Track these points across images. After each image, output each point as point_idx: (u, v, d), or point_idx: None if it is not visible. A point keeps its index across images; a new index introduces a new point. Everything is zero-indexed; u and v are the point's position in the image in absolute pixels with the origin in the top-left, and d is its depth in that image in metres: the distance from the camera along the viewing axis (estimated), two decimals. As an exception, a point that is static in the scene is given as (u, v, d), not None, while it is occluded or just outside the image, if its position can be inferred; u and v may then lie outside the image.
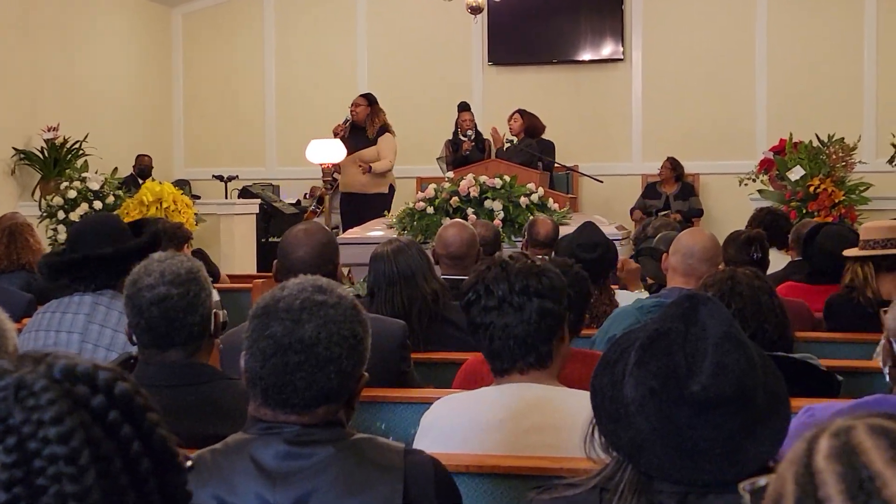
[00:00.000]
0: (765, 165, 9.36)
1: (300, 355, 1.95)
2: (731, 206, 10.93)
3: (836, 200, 8.70)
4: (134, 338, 2.78)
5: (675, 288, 3.93)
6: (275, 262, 3.57)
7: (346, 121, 9.98)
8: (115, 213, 9.06)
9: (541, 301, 2.54)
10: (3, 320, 1.95)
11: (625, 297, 4.88)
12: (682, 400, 1.77)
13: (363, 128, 9.98)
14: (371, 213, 9.26)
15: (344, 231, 9.15)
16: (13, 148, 10.30)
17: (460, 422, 2.58)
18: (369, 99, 10.11)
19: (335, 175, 10.01)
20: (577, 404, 2.40)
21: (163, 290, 2.70)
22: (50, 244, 8.93)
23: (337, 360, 1.97)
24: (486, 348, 2.60)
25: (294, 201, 11.99)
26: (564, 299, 2.62)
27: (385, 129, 10.01)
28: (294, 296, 2.00)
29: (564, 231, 5.99)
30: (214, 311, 2.81)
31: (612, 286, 4.93)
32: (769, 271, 4.93)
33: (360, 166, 9.77)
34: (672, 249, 4.05)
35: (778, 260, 5.73)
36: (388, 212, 8.82)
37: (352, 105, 10.13)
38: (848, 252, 4.59)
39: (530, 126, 10.31)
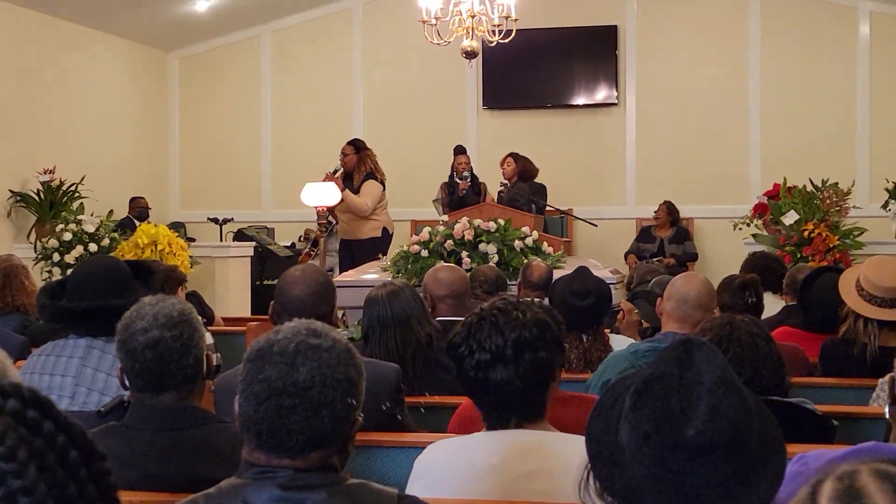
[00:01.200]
0: (759, 210, 9.37)
1: (294, 399, 1.94)
2: (725, 250, 10.95)
3: (831, 245, 8.71)
4: (126, 382, 2.76)
5: (669, 333, 3.93)
6: (271, 303, 3.57)
7: (336, 171, 9.91)
8: (111, 255, 9.07)
9: (535, 354, 2.51)
10: (6, 359, 1.94)
11: (619, 342, 4.87)
12: (677, 445, 1.76)
13: (350, 175, 10.02)
14: (366, 258, 9.26)
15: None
16: (9, 190, 10.32)
17: (454, 467, 2.56)
18: (356, 146, 10.04)
19: (330, 218, 10.02)
20: (570, 449, 2.39)
21: (156, 333, 2.69)
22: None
23: (331, 404, 1.96)
24: (481, 403, 2.57)
25: (289, 244, 12.00)
26: (556, 345, 2.60)
27: (370, 175, 9.97)
28: (288, 339, 1.99)
29: (559, 274, 6.00)
30: (207, 352, 2.80)
31: (606, 329, 4.92)
32: (763, 316, 4.93)
33: (346, 212, 9.90)
34: (666, 295, 4.05)
35: (772, 304, 5.72)
36: (384, 255, 8.82)
37: (340, 154, 10.10)
38: (853, 304, 4.44)
39: (523, 169, 10.33)
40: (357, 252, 9.70)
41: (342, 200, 9.59)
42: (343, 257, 10.04)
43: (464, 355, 2.52)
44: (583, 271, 4.86)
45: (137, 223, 10.60)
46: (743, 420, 1.79)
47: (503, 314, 2.53)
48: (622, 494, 1.81)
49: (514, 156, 10.38)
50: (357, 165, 9.91)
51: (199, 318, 2.84)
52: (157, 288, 3.78)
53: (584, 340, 4.69)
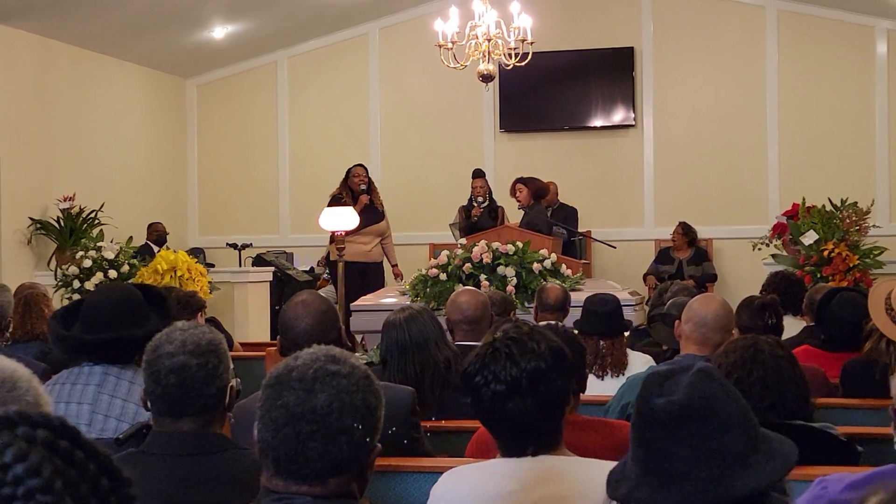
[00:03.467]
0: (778, 230, 9.34)
1: (312, 425, 1.93)
2: (744, 271, 10.92)
3: (851, 265, 8.67)
4: (149, 404, 2.76)
5: (688, 354, 3.91)
6: (278, 338, 3.55)
7: (363, 191, 10.25)
8: (130, 281, 9.09)
9: (551, 385, 2.48)
10: (39, 393, 1.94)
11: (636, 358, 5.04)
12: (652, 419, 1.84)
13: (370, 202, 10.28)
14: (376, 280, 9.94)
15: (347, 299, 9.16)
16: (29, 218, 10.38)
17: (470, 493, 2.54)
18: (367, 170, 10.52)
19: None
20: (588, 473, 2.38)
21: (182, 359, 2.70)
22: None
23: (349, 430, 1.95)
24: (497, 433, 2.54)
25: (307, 269, 12.01)
26: (571, 372, 2.58)
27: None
28: (307, 365, 1.98)
29: (578, 297, 6.02)
30: (231, 384, 2.80)
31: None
32: (783, 337, 4.90)
33: (379, 240, 10.41)
34: (684, 317, 4.03)
35: (792, 326, 5.69)
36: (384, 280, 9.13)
37: (357, 176, 10.33)
38: (881, 325, 4.42)
39: (535, 190, 10.27)
40: (366, 275, 10.06)
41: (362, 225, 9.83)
42: (352, 280, 10.09)
43: (479, 385, 2.49)
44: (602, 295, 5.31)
45: (156, 248, 10.63)
46: (719, 399, 1.86)
47: (517, 344, 2.49)
48: (624, 494, 1.87)
49: (522, 181, 10.22)
50: (374, 191, 10.26)
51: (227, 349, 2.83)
52: (172, 314, 3.77)
53: (602, 346, 5.06)
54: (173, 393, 2.69)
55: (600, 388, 4.90)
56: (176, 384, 2.69)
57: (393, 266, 10.76)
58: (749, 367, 2.98)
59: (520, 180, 10.33)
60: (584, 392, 3.42)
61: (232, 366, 2.86)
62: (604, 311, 5.12)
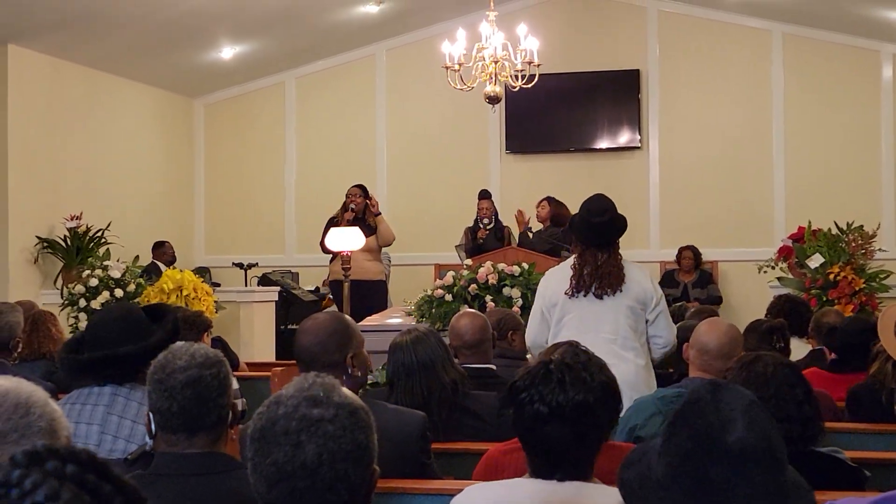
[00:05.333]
0: (784, 253, 9.34)
1: (305, 481, 1.91)
2: (750, 294, 10.91)
3: (857, 288, 8.66)
4: (153, 427, 2.75)
5: (696, 378, 3.91)
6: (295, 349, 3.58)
7: (351, 209, 10.23)
8: (135, 301, 9.11)
9: (594, 418, 2.47)
10: (54, 418, 1.95)
11: (633, 273, 5.22)
12: (720, 454, 1.80)
13: (361, 217, 10.25)
14: (375, 299, 9.94)
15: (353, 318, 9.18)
16: (37, 237, 10.40)
17: (491, 505, 2.54)
18: (364, 190, 10.46)
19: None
20: (610, 500, 2.37)
21: (195, 371, 2.71)
22: (71, 332, 8.96)
23: (344, 476, 1.93)
24: (531, 450, 2.53)
25: (313, 289, 12.02)
26: (616, 408, 2.56)
27: (379, 213, 10.49)
28: (289, 415, 1.94)
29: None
30: (233, 399, 2.81)
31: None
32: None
33: (374, 255, 10.27)
34: (691, 341, 4.03)
35: (799, 349, 5.69)
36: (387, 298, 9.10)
37: (349, 195, 10.36)
38: (889, 347, 4.38)
39: (557, 214, 10.33)
40: (367, 293, 10.04)
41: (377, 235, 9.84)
42: (353, 298, 10.11)
43: (524, 402, 2.48)
44: (599, 195, 5.37)
45: (164, 268, 10.64)
46: (775, 435, 1.83)
47: (571, 372, 2.48)
48: None
49: (550, 200, 10.45)
50: (367, 208, 10.21)
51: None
52: (171, 328, 3.78)
53: (599, 257, 5.15)
54: (190, 406, 2.70)
55: (601, 306, 5.07)
56: (192, 397, 2.70)
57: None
58: (759, 391, 2.97)
59: (549, 198, 10.45)
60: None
61: (237, 385, 2.87)
62: (600, 222, 5.14)
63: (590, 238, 5.15)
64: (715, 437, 1.80)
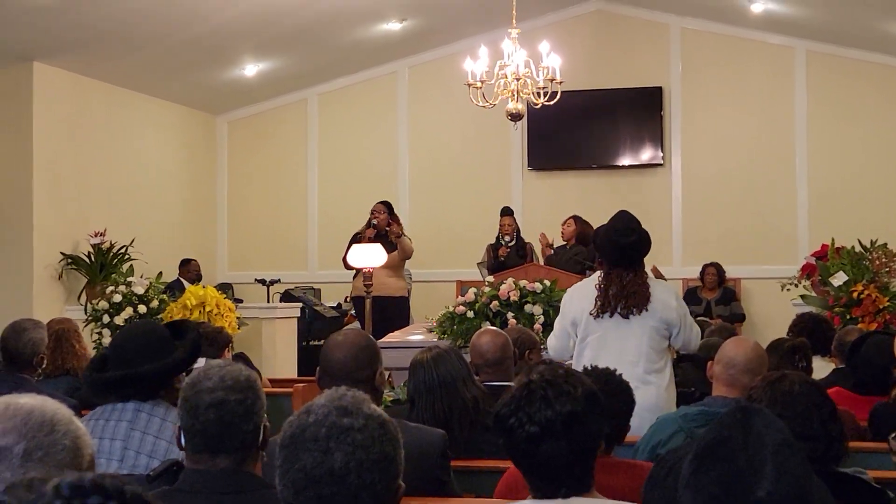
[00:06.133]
0: (807, 271, 9.28)
1: (332, 487, 1.94)
2: (773, 312, 10.86)
3: (881, 307, 8.59)
4: (182, 441, 2.77)
5: (718, 397, 3.90)
6: (318, 367, 3.58)
7: (373, 226, 10.24)
8: (158, 317, 9.14)
9: (585, 428, 2.47)
10: (78, 436, 1.96)
11: (658, 292, 5.17)
12: None
13: (384, 234, 10.25)
14: (397, 315, 9.93)
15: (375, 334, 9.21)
16: (61, 252, 10.47)
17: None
18: (389, 207, 10.43)
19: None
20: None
21: (221, 394, 2.72)
22: (95, 348, 9.00)
23: (370, 486, 1.95)
24: (530, 474, 2.54)
25: (335, 305, 12.04)
26: (604, 416, 2.56)
27: (400, 234, 10.47)
28: (320, 423, 1.98)
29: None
30: (266, 423, 2.81)
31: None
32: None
33: (394, 271, 10.28)
34: (716, 358, 4.02)
35: (821, 368, 5.66)
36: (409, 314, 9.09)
37: (373, 212, 10.38)
38: None
39: (582, 233, 10.34)
40: (389, 309, 10.04)
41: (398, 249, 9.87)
42: (375, 315, 10.14)
43: (513, 427, 2.48)
44: (624, 213, 5.30)
45: (188, 286, 10.68)
46: (806, 480, 1.80)
47: (553, 387, 2.49)
48: None
49: (576, 218, 10.46)
50: (390, 226, 10.23)
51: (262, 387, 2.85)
52: (191, 345, 3.81)
53: (624, 277, 5.11)
54: (211, 428, 2.71)
55: (626, 327, 5.04)
56: (215, 419, 2.70)
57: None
58: (779, 409, 2.95)
59: (575, 217, 10.46)
60: (620, 443, 3.41)
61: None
62: (626, 243, 5.11)
63: (615, 258, 5.13)
64: (744, 489, 1.77)
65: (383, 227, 10.30)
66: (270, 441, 2.96)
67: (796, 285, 9.36)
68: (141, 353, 3.63)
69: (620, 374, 3.53)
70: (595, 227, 11.02)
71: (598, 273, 5.29)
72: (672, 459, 1.91)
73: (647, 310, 5.07)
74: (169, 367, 3.64)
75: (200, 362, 6.11)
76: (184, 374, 3.97)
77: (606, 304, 5.09)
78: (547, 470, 2.48)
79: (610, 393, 3.00)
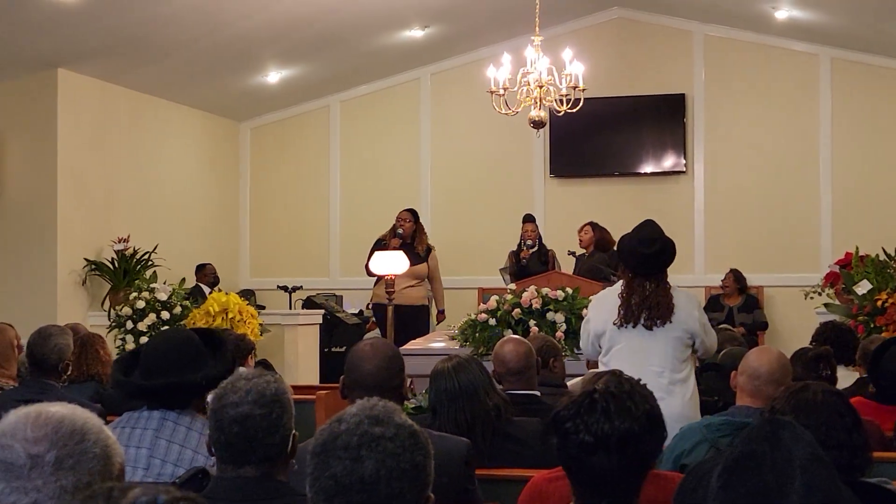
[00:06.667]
0: (831, 279, 9.25)
1: (362, 495, 1.95)
2: (796, 320, 10.82)
3: (905, 315, 8.55)
4: (213, 449, 2.81)
5: (743, 406, 3.89)
6: (342, 378, 3.58)
7: (398, 235, 10.25)
8: (181, 323, 9.18)
9: (640, 447, 2.45)
10: (108, 444, 1.97)
11: (681, 301, 5.14)
12: None
13: (410, 243, 10.26)
14: (419, 324, 10.01)
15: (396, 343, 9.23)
16: (85, 259, 10.53)
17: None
18: (415, 215, 10.51)
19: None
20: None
21: (246, 409, 2.74)
22: (118, 354, 9.04)
23: (399, 495, 1.96)
24: (576, 481, 2.53)
25: (356, 311, 12.06)
26: (661, 436, 2.53)
27: (430, 248, 10.52)
28: (351, 430, 2.00)
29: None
30: (294, 432, 2.83)
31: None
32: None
33: (418, 282, 10.38)
34: (740, 368, 4.01)
35: (846, 377, 5.63)
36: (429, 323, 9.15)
37: (398, 219, 10.39)
38: None
39: (601, 239, 10.36)
40: (410, 317, 10.09)
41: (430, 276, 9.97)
42: (396, 323, 10.16)
43: (568, 432, 2.46)
44: (649, 222, 5.27)
45: (208, 291, 10.72)
46: (836, 494, 1.79)
47: (615, 401, 2.46)
48: None
49: (593, 225, 10.48)
50: (418, 234, 10.35)
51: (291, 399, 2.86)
52: (229, 358, 3.83)
53: (648, 287, 5.07)
54: (236, 442, 2.73)
55: (650, 338, 5.04)
56: (239, 433, 2.73)
57: (439, 312, 10.80)
58: (803, 419, 2.94)
59: (592, 223, 10.46)
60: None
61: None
62: (649, 253, 5.08)
63: (637, 268, 5.12)
64: (773, 503, 1.77)
65: (408, 236, 10.32)
66: (299, 448, 2.98)
67: (820, 293, 9.32)
68: (176, 365, 3.64)
69: (645, 385, 3.51)
70: (618, 235, 11.08)
71: (620, 282, 5.27)
72: (700, 472, 1.90)
73: (670, 321, 5.05)
74: (212, 377, 3.65)
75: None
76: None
77: (630, 315, 5.08)
78: (594, 481, 2.46)
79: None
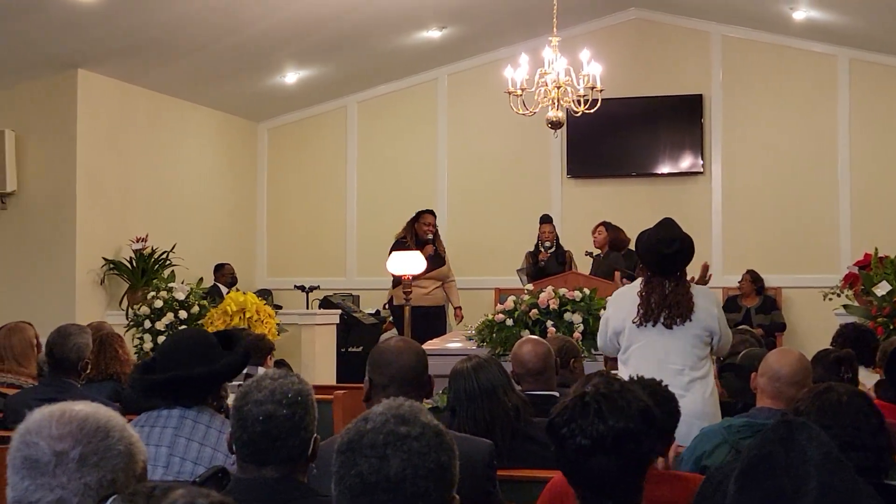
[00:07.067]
0: (850, 280, 9.21)
1: (388, 494, 1.95)
2: (815, 321, 10.78)
3: (924, 317, 8.51)
4: (234, 447, 2.82)
5: (763, 408, 3.88)
6: (366, 380, 3.55)
7: (430, 240, 10.40)
8: (200, 322, 9.21)
9: (636, 445, 2.45)
10: (132, 442, 1.98)
11: (701, 299, 5.11)
12: None
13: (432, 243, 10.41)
14: (436, 325, 10.14)
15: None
16: (103, 258, 10.56)
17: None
18: (434, 216, 10.57)
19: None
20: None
21: (270, 408, 2.75)
22: (136, 353, 9.08)
23: (425, 494, 1.96)
24: (578, 485, 2.53)
25: (373, 311, 12.06)
26: (658, 433, 2.54)
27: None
28: (377, 429, 2.00)
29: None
30: (316, 435, 2.83)
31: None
32: (857, 390, 4.82)
33: (440, 284, 10.58)
34: (760, 370, 3.99)
35: (865, 379, 5.60)
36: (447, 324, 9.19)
37: (426, 223, 10.49)
38: None
39: (615, 239, 10.36)
40: (428, 318, 10.24)
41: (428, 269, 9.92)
42: (414, 323, 10.19)
43: (564, 437, 2.47)
44: (668, 221, 5.24)
45: (225, 291, 10.74)
46: (853, 495, 1.78)
47: (607, 401, 2.48)
48: None
49: (606, 225, 10.48)
50: (437, 236, 10.40)
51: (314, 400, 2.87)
52: (242, 353, 3.85)
53: (667, 286, 5.05)
54: (259, 441, 2.74)
55: (669, 336, 5.03)
56: (262, 432, 2.74)
57: (456, 308, 10.83)
58: (828, 420, 2.92)
59: (605, 223, 10.45)
60: (665, 454, 3.39)
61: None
62: (669, 253, 5.07)
63: (656, 266, 5.11)
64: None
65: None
66: (320, 447, 2.98)
67: (838, 295, 9.29)
68: (191, 358, 3.66)
69: (666, 386, 3.51)
70: (627, 233, 11.08)
71: (639, 280, 5.27)
72: (720, 476, 1.90)
73: (690, 319, 5.04)
74: (221, 370, 3.67)
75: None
76: (227, 382, 4.00)
77: (649, 313, 5.07)
78: (595, 483, 2.47)
79: (656, 405, 2.98)
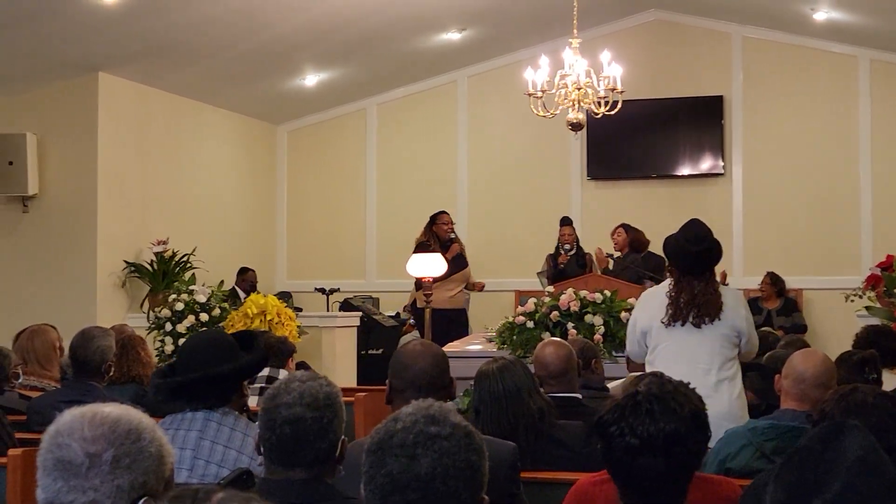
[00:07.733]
0: (872, 282, 9.16)
1: (418, 493, 1.96)
2: (836, 323, 10.73)
3: (947, 318, 8.47)
4: (261, 449, 2.82)
5: (788, 410, 3.86)
6: (388, 381, 3.55)
7: (454, 239, 10.47)
8: (220, 325, 9.23)
9: (685, 448, 2.44)
10: (162, 444, 1.99)
11: (729, 299, 5.13)
12: None
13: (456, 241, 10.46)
14: (457, 327, 10.15)
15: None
16: (124, 261, 10.60)
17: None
18: (449, 215, 10.70)
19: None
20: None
21: (298, 410, 2.76)
22: (157, 355, 9.10)
23: (454, 493, 1.97)
24: (622, 483, 2.52)
25: (393, 314, 12.06)
26: (707, 436, 2.52)
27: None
28: (407, 429, 2.00)
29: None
30: (343, 437, 2.83)
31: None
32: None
33: (463, 286, 10.68)
34: (784, 372, 3.98)
35: (888, 380, 5.58)
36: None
37: (445, 223, 10.54)
38: None
39: (634, 240, 10.34)
40: (449, 320, 10.24)
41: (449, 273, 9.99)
42: (437, 326, 10.20)
43: (613, 435, 2.46)
44: (696, 221, 5.27)
45: (243, 295, 10.75)
46: (881, 502, 1.76)
47: (660, 402, 2.46)
48: None
49: (625, 226, 10.46)
50: (458, 238, 10.49)
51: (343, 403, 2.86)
52: (261, 352, 3.86)
53: (696, 286, 5.07)
54: (286, 443, 2.75)
55: (698, 336, 5.03)
56: (290, 435, 2.74)
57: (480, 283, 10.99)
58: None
59: (624, 225, 10.44)
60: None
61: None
62: (698, 251, 5.08)
63: (686, 266, 5.12)
64: (803, 498, 1.77)
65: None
66: (348, 447, 2.98)
67: (860, 296, 9.25)
68: (210, 358, 3.67)
69: (694, 388, 3.49)
70: (655, 237, 11.05)
71: (668, 281, 5.27)
72: (759, 483, 1.92)
73: (719, 318, 5.05)
74: (242, 368, 3.68)
75: (264, 372, 6.16)
76: (247, 382, 4.01)
77: (678, 313, 5.07)
78: (640, 483, 2.46)
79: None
